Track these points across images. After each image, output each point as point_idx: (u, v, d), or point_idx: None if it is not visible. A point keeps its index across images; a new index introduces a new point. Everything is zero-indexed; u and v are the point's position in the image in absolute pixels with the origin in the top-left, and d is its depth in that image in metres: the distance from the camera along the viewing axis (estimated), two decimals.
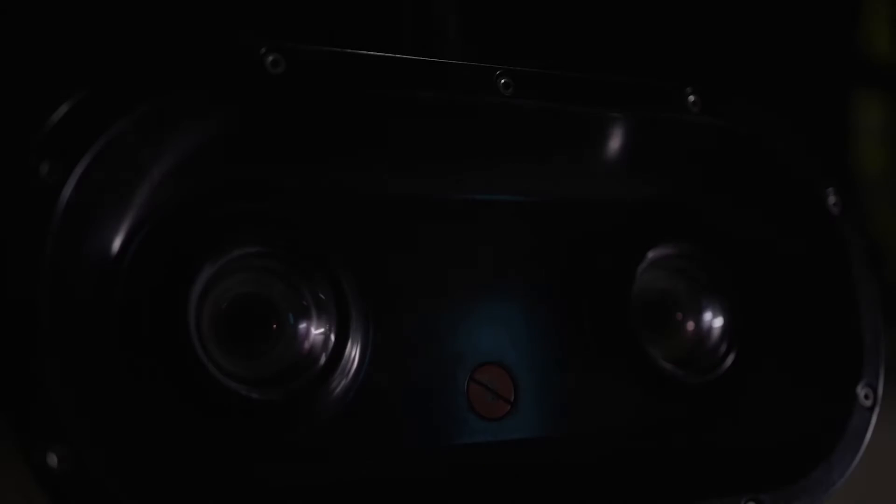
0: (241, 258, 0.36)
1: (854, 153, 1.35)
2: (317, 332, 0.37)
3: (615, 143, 0.43)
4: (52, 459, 0.29)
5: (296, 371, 0.37)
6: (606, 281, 0.43)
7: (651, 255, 0.44)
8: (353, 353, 0.37)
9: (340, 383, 0.37)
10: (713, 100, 0.43)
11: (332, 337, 0.37)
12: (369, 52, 0.37)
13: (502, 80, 0.39)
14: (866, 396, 0.43)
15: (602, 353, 0.43)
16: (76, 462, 0.30)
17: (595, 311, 0.43)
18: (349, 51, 0.36)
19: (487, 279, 0.41)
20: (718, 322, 0.45)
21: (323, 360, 0.37)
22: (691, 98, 0.43)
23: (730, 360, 0.45)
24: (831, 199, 0.45)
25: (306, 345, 0.37)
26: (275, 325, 0.37)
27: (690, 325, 0.46)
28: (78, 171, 0.31)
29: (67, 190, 0.31)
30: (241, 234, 0.36)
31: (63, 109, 0.32)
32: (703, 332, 0.45)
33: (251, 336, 0.37)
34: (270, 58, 0.35)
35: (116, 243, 0.34)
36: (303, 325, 0.37)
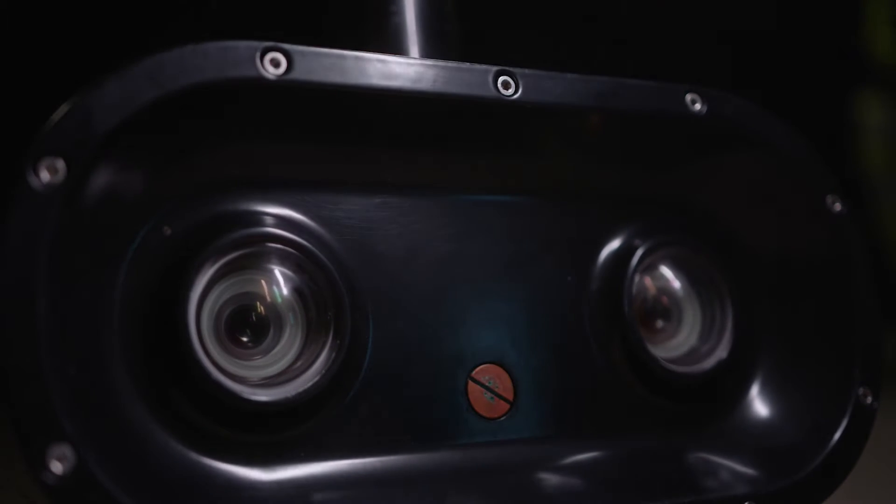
0: (240, 258, 0.36)
1: (856, 152, 1.35)
2: (316, 331, 0.37)
3: (615, 142, 0.43)
4: (52, 460, 0.29)
5: (295, 371, 0.37)
6: (606, 280, 0.43)
7: (651, 254, 0.44)
8: (353, 352, 0.37)
9: (340, 383, 0.37)
10: (713, 100, 0.43)
11: (332, 336, 0.37)
12: (369, 53, 0.37)
13: (502, 80, 0.39)
14: (866, 396, 0.43)
15: (602, 353, 0.43)
16: (76, 463, 0.30)
17: (595, 310, 0.43)
18: (349, 51, 0.37)
19: (487, 278, 0.41)
20: (718, 321, 0.45)
21: (322, 359, 0.37)
22: (691, 98, 0.43)
23: (729, 359, 0.45)
24: (832, 199, 0.45)
25: (306, 344, 0.37)
26: (274, 325, 0.37)
27: (690, 324, 0.46)
28: (78, 171, 0.31)
29: (67, 190, 0.31)
30: (240, 233, 0.36)
31: (63, 109, 0.32)
32: (702, 332, 0.45)
33: (251, 336, 0.37)
34: (270, 57, 0.35)
35: (116, 244, 0.34)
36: (302, 325, 0.37)
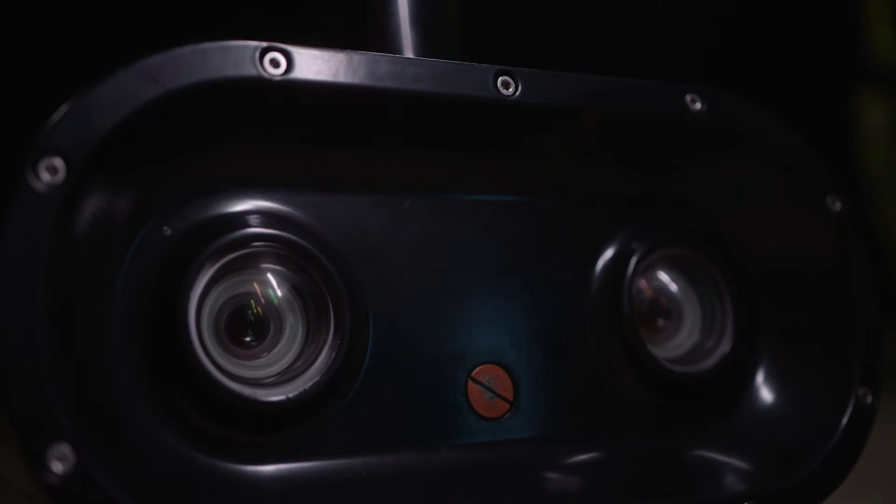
0: (240, 258, 0.36)
1: (856, 152, 1.35)
2: (316, 331, 0.37)
3: (615, 142, 0.43)
4: (52, 460, 0.29)
5: (295, 371, 0.37)
6: (606, 279, 0.43)
7: (650, 253, 0.44)
8: (353, 352, 0.37)
9: (339, 383, 0.37)
10: (713, 99, 0.43)
11: (331, 336, 0.37)
12: (369, 53, 0.37)
13: (502, 80, 0.39)
14: (866, 396, 0.43)
15: (602, 352, 0.43)
16: (76, 463, 0.30)
17: (595, 310, 0.43)
18: (348, 51, 0.37)
19: (487, 278, 0.41)
20: (718, 321, 0.45)
21: (322, 359, 0.37)
22: (691, 97, 0.43)
23: (729, 359, 0.45)
24: (832, 199, 0.45)
25: (305, 344, 0.37)
26: (274, 325, 0.37)
27: (690, 324, 0.46)
28: (78, 170, 0.31)
29: (67, 190, 0.31)
30: (239, 233, 0.36)
31: (63, 109, 0.32)
32: (703, 331, 0.45)
33: (251, 336, 0.37)
34: (270, 57, 0.35)
35: (115, 243, 0.34)
36: (302, 325, 0.37)
